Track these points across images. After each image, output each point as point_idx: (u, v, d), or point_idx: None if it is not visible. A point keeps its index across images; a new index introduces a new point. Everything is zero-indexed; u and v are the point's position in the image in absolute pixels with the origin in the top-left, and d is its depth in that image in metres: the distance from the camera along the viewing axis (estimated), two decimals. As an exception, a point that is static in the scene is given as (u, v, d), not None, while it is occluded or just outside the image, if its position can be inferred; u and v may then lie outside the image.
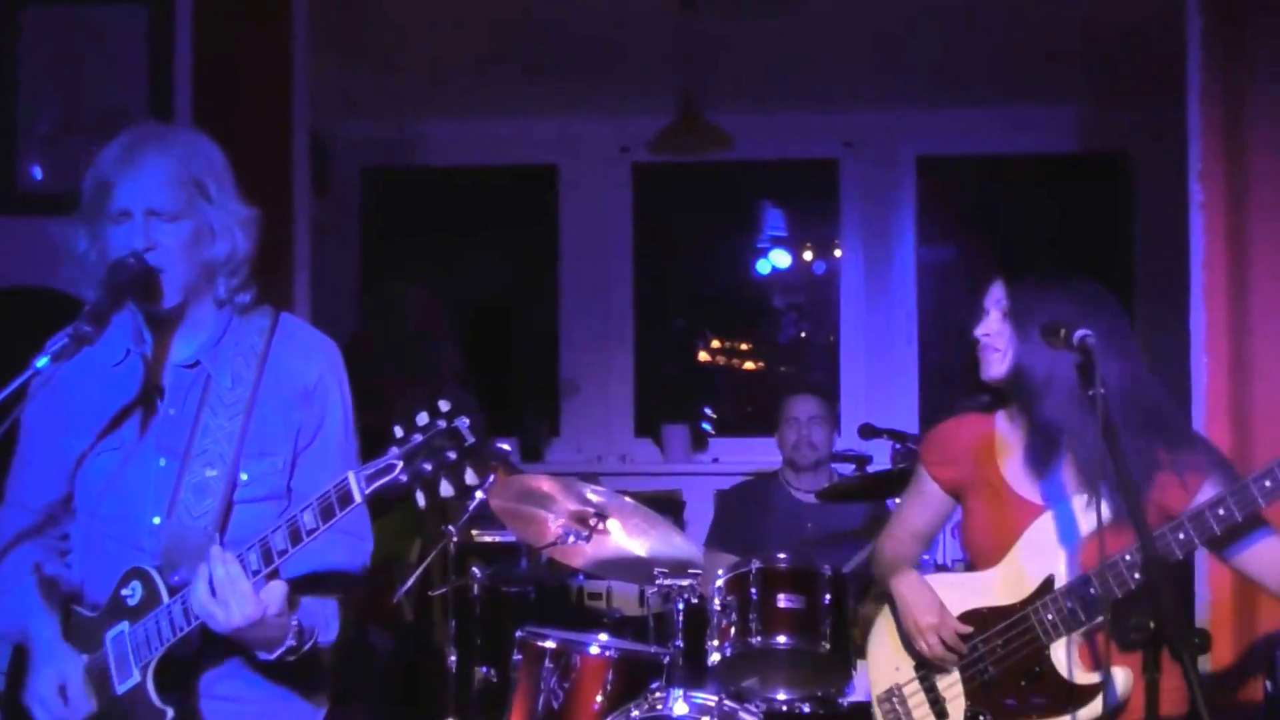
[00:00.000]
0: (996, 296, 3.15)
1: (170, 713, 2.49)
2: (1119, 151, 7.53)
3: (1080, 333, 2.77)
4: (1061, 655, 3.01)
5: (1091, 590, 2.92)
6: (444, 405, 2.29)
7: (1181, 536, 2.83)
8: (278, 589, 2.42)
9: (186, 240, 2.58)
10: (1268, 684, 3.82)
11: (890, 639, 3.35)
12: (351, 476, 2.33)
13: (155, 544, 2.56)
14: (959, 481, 3.26)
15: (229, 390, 2.62)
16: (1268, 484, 2.78)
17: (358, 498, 2.32)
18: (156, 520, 2.57)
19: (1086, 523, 2.96)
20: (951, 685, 3.18)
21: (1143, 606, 2.50)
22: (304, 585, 2.55)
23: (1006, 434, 3.19)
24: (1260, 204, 4.21)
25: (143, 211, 2.55)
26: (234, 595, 2.37)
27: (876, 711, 3.36)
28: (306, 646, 2.53)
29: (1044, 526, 3.06)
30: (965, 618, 3.16)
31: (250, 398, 2.62)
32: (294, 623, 2.49)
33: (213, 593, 2.37)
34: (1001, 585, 3.10)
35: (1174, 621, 2.40)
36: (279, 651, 2.49)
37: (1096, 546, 2.83)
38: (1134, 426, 2.90)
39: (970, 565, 3.29)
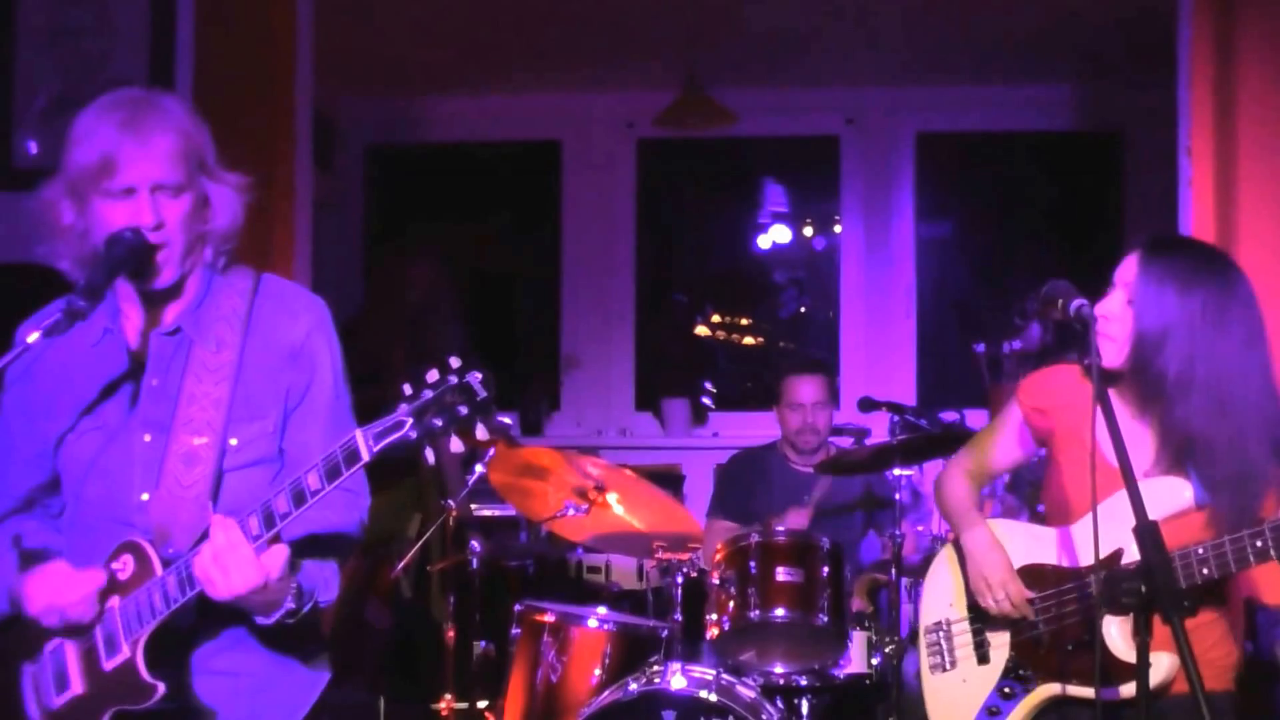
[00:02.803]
0: (1128, 276, 2.97)
1: (161, 688, 2.43)
2: (1114, 129, 7.54)
3: (1076, 303, 2.74)
4: (1115, 630, 2.97)
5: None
6: (455, 362, 2.24)
7: (1259, 544, 2.77)
8: (280, 553, 2.35)
9: (187, 213, 2.53)
10: (1248, 645, 3.82)
11: (952, 579, 3.33)
12: (359, 434, 2.25)
13: (145, 520, 2.50)
14: (1053, 431, 3.18)
15: (213, 355, 2.56)
16: None
17: (365, 456, 2.24)
18: (145, 497, 2.52)
19: (1170, 504, 2.89)
20: (1000, 633, 3.19)
21: (1134, 570, 2.48)
22: (302, 547, 2.49)
23: (1113, 400, 3.02)
24: (1249, 181, 4.20)
25: (149, 187, 2.48)
26: (235, 562, 2.31)
27: (921, 639, 3.35)
28: (305, 608, 2.48)
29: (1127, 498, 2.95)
30: (1026, 571, 3.14)
31: (236, 362, 2.56)
32: (293, 585, 2.44)
33: (214, 560, 2.32)
34: (1071, 546, 3.07)
35: (1165, 585, 2.39)
36: (277, 615, 2.44)
37: (1174, 529, 2.75)
38: (1245, 426, 2.82)
39: (1044, 519, 3.24)
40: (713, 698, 3.90)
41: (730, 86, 6.92)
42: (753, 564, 4.32)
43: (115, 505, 2.54)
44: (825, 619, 4.28)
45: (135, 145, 2.46)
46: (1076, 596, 3.04)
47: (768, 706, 4.03)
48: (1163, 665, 2.84)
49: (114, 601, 2.47)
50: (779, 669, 4.41)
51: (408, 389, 2.24)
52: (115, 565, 2.48)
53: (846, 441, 5.74)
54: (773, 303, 8.19)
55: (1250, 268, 4.08)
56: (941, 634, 3.30)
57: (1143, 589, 2.39)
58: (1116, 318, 2.96)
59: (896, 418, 5.27)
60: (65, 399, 2.59)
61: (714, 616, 4.34)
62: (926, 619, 3.36)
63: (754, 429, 6.58)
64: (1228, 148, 4.20)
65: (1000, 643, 3.19)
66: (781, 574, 4.30)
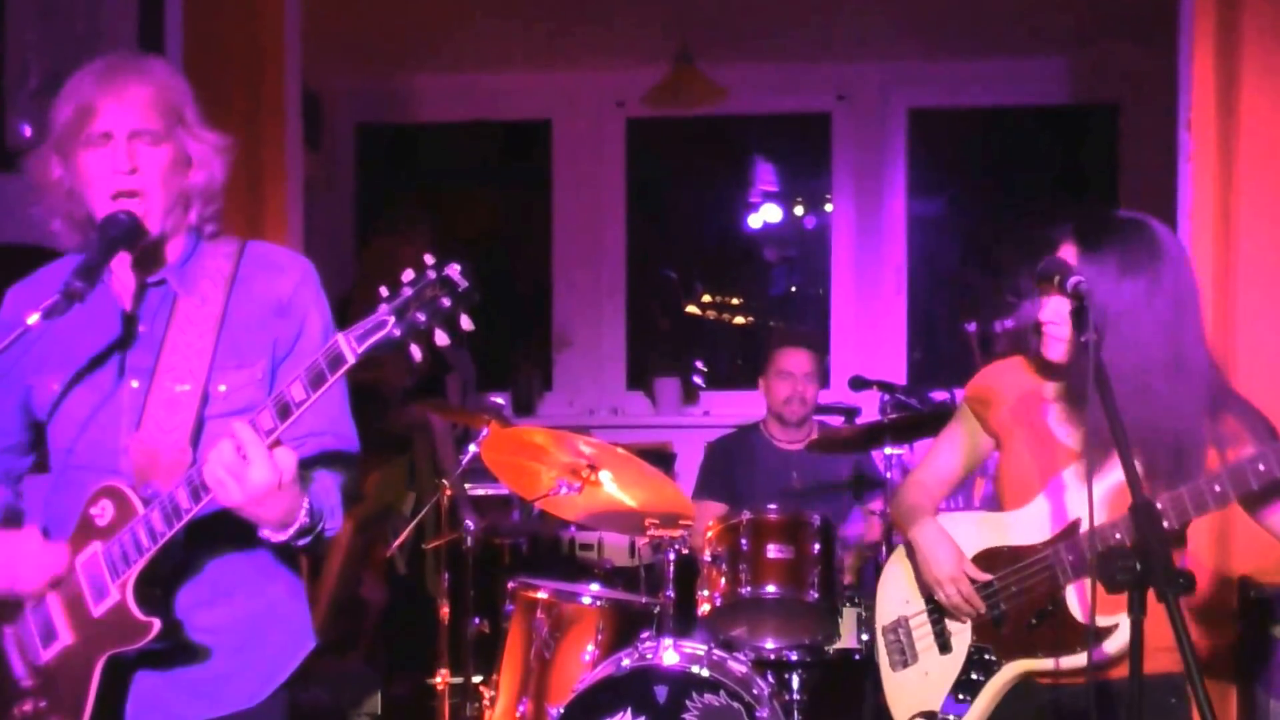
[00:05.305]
0: (1069, 277, 2.87)
1: (156, 624, 2.42)
2: (1110, 101, 7.51)
3: (1074, 279, 2.73)
4: (1075, 597, 3.02)
5: (1118, 535, 2.89)
6: (429, 259, 2.22)
7: (1218, 489, 2.80)
8: (288, 455, 2.32)
9: (167, 166, 2.55)
10: (1241, 624, 3.84)
11: (905, 577, 3.37)
12: (340, 337, 2.22)
13: (126, 463, 2.51)
14: (1002, 422, 3.22)
15: (198, 308, 2.58)
16: None
17: (350, 359, 2.21)
18: (126, 441, 2.53)
19: (1113, 475, 2.91)
20: (960, 621, 3.22)
21: (1130, 548, 2.48)
22: (306, 467, 2.49)
23: (1053, 392, 3.14)
24: (1249, 155, 4.15)
25: (126, 133, 2.51)
26: (257, 456, 2.27)
27: (880, 640, 3.40)
28: (320, 528, 2.47)
29: (1079, 472, 3.03)
30: (983, 556, 3.17)
31: (220, 315, 2.57)
32: (305, 501, 2.42)
33: (237, 454, 2.27)
34: (1026, 526, 3.10)
35: (1160, 562, 2.39)
36: (292, 530, 2.41)
37: (1123, 493, 2.78)
38: (1179, 394, 2.85)
39: (999, 507, 3.26)
40: (705, 673, 3.91)
41: (721, 63, 6.92)
42: (744, 541, 4.35)
43: (100, 453, 2.55)
44: (816, 595, 4.31)
45: (112, 94, 2.52)
46: (1038, 569, 3.06)
47: (759, 681, 4.05)
48: (1124, 629, 2.82)
49: (95, 547, 2.48)
50: (770, 644, 4.45)
51: (384, 291, 2.21)
52: (93, 510, 2.49)
53: (837, 420, 5.76)
54: (763, 281, 8.21)
55: (1251, 243, 4.11)
56: (901, 630, 3.34)
57: (1137, 567, 2.39)
58: (1064, 318, 2.96)
59: (887, 396, 5.29)
60: (56, 356, 2.61)
61: (706, 593, 4.38)
62: (884, 619, 3.40)
63: (745, 407, 6.60)
64: (1229, 122, 4.13)
65: (961, 629, 3.22)
66: (772, 551, 4.34)
